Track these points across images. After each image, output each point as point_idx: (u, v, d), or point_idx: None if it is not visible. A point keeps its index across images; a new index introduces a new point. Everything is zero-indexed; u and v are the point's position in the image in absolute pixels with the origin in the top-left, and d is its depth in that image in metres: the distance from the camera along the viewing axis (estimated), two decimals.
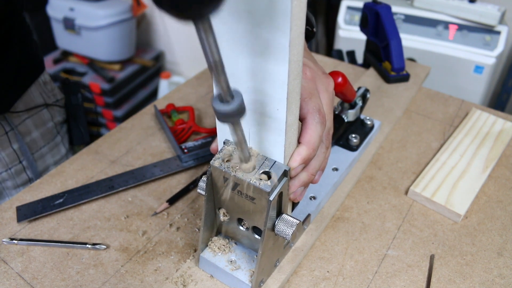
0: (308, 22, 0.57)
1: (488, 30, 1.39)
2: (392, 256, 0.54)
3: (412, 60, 1.23)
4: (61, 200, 0.60)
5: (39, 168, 0.78)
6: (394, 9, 1.42)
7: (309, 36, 0.57)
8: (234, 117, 0.34)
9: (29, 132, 0.74)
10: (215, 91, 0.35)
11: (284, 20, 0.33)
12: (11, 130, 0.70)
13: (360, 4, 1.52)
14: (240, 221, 0.48)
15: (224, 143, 0.45)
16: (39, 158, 0.77)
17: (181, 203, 0.61)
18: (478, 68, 1.42)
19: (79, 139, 0.83)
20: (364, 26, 0.90)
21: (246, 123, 0.42)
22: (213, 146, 0.49)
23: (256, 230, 0.47)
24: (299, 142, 0.43)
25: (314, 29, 0.57)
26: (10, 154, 0.71)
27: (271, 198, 0.41)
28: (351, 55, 1.14)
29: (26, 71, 0.72)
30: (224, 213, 0.48)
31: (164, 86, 2.36)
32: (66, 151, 0.84)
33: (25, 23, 0.72)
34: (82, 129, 0.84)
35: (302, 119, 0.43)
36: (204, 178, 0.46)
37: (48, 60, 2.24)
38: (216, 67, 0.30)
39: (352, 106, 0.66)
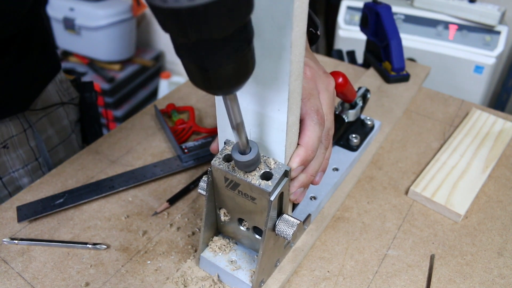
0: (313, 24, 0.56)
1: (488, 30, 1.40)
2: (392, 256, 0.54)
3: (412, 60, 1.23)
4: (61, 200, 0.60)
5: (54, 166, 0.78)
6: (394, 9, 1.42)
7: (313, 39, 0.57)
8: (252, 166, 0.40)
9: (45, 130, 0.75)
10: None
11: (285, 21, 0.33)
12: (29, 128, 0.71)
13: (360, 4, 1.52)
14: (240, 221, 0.48)
15: (224, 143, 0.45)
16: (54, 155, 0.78)
17: (182, 203, 0.62)
18: (478, 68, 1.42)
19: (93, 137, 0.84)
20: (364, 26, 0.90)
21: (247, 123, 0.42)
22: (213, 146, 0.49)
23: (257, 230, 0.47)
24: (297, 144, 0.43)
25: (319, 32, 0.57)
26: (27, 151, 0.71)
27: (272, 198, 0.41)
28: (351, 55, 1.14)
29: (45, 70, 0.73)
30: (224, 213, 0.48)
31: (164, 86, 2.36)
32: (80, 149, 0.85)
33: (43, 24, 0.73)
34: (96, 127, 0.85)
35: (300, 120, 0.43)
36: (204, 178, 0.46)
37: None
38: (238, 128, 0.36)
39: (353, 106, 0.66)
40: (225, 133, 0.45)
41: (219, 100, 0.42)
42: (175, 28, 0.26)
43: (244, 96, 0.40)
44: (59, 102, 0.77)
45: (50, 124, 0.76)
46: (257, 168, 0.42)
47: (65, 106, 0.79)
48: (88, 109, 0.84)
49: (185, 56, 0.29)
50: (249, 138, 0.39)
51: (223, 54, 0.28)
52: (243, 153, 0.39)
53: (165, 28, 0.26)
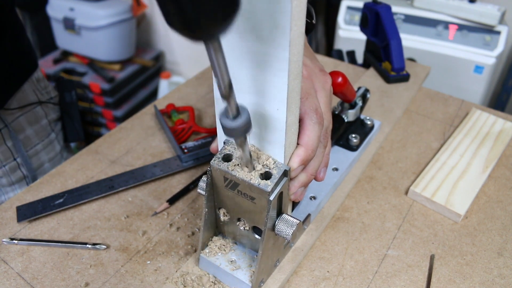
0: (308, 13, 0.56)
1: (488, 30, 1.39)
2: (392, 256, 0.54)
3: (412, 60, 1.23)
4: (61, 200, 0.60)
5: (34, 165, 0.78)
6: (394, 9, 1.42)
7: (309, 28, 0.56)
8: (240, 132, 0.35)
9: (23, 129, 0.74)
10: (218, 106, 0.38)
11: (284, 20, 0.33)
12: (4, 127, 0.70)
13: (360, 4, 1.52)
14: (240, 221, 0.48)
15: (224, 143, 0.45)
16: (34, 155, 0.77)
17: (181, 203, 0.62)
18: (478, 68, 1.42)
19: (73, 136, 0.84)
20: (364, 26, 0.90)
21: None
22: (213, 146, 0.49)
23: (256, 230, 0.47)
24: (297, 144, 0.43)
25: (314, 21, 0.56)
26: (4, 151, 0.71)
27: (271, 198, 0.41)
28: (351, 55, 1.14)
29: (19, 68, 0.72)
30: (224, 213, 0.48)
31: (164, 86, 2.36)
32: (61, 148, 0.84)
33: (18, 20, 0.72)
34: (76, 126, 0.84)
35: (299, 120, 0.43)
36: (204, 178, 0.46)
37: (48, 60, 2.25)
38: (226, 90, 0.32)
39: (352, 106, 0.66)
40: None
41: (218, 100, 0.42)
42: None
43: (243, 95, 0.40)
44: (37, 101, 0.76)
45: (28, 123, 0.75)
46: (257, 168, 0.42)
47: (43, 105, 0.78)
48: (68, 108, 0.83)
49: None
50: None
51: None
52: (233, 118, 0.35)
53: None
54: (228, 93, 0.32)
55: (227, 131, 0.35)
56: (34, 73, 0.77)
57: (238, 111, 0.35)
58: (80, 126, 0.86)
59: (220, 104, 0.42)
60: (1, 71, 0.67)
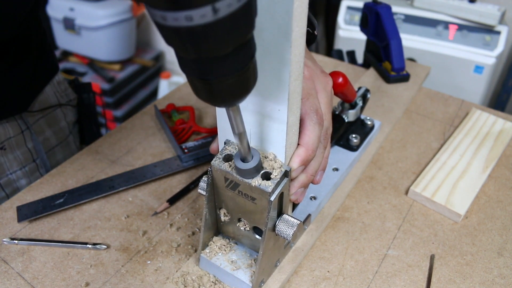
0: (310, 24, 0.56)
1: (488, 30, 1.40)
2: (392, 256, 0.54)
3: (412, 60, 1.23)
4: (61, 200, 0.60)
5: (52, 168, 0.78)
6: (394, 9, 1.42)
7: (311, 39, 0.57)
8: (253, 173, 0.41)
9: (43, 131, 0.75)
10: (237, 151, 0.43)
11: (285, 21, 0.33)
12: (26, 129, 0.70)
13: (360, 4, 1.52)
14: (240, 221, 0.48)
15: (224, 143, 0.45)
16: (51, 157, 0.78)
17: (182, 203, 0.62)
18: (478, 68, 1.42)
19: (91, 137, 0.83)
20: (364, 26, 0.90)
21: (247, 123, 0.42)
22: (213, 146, 0.49)
23: (257, 230, 0.47)
24: (298, 144, 0.43)
25: (316, 32, 0.57)
26: (25, 152, 0.71)
27: (272, 199, 0.41)
28: (351, 55, 1.14)
29: (43, 72, 0.73)
30: (224, 213, 0.48)
31: (164, 86, 2.36)
32: (78, 150, 0.85)
33: (42, 26, 0.73)
34: (94, 128, 0.85)
35: (300, 120, 0.43)
36: (204, 178, 0.46)
37: None
38: (240, 137, 0.37)
39: (353, 106, 0.66)
40: (225, 133, 0.45)
41: None
42: (176, 44, 0.27)
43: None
44: (57, 103, 0.77)
45: (48, 125, 0.76)
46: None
47: (63, 107, 0.79)
48: (86, 110, 0.84)
49: (188, 70, 0.30)
50: (248, 139, 0.39)
51: (225, 69, 0.29)
52: (244, 160, 0.40)
53: (167, 42, 0.27)
54: (241, 140, 0.37)
55: (241, 172, 0.41)
56: (55, 76, 0.77)
57: (252, 155, 0.40)
58: (98, 128, 0.86)
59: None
60: (27, 73, 0.67)
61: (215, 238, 0.51)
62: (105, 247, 0.55)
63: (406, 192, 0.63)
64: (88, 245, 0.54)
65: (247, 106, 0.41)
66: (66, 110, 0.80)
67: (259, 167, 0.41)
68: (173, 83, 2.35)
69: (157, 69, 2.45)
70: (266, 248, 0.44)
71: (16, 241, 0.55)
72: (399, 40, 0.83)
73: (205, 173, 0.59)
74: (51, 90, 0.76)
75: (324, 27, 1.97)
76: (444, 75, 1.47)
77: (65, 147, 0.81)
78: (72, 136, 0.83)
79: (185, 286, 0.49)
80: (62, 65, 2.22)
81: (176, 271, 0.52)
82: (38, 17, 0.71)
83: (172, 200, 0.61)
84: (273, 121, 0.40)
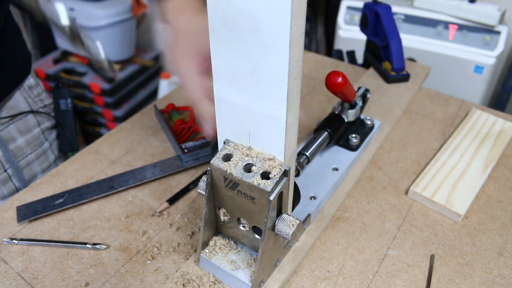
0: None
1: (488, 30, 1.39)
2: (392, 256, 0.54)
3: (412, 60, 1.23)
4: (61, 200, 0.60)
5: (26, 177, 0.75)
6: (394, 9, 1.42)
7: None
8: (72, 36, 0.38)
9: (14, 139, 0.71)
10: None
11: (284, 20, 0.33)
12: None
13: (360, 4, 1.52)
14: (240, 221, 0.48)
15: (224, 143, 0.45)
16: (26, 166, 0.74)
17: (181, 203, 0.62)
18: (478, 68, 1.42)
19: (66, 146, 0.80)
20: (364, 26, 0.90)
21: (246, 123, 0.42)
22: (206, 129, 0.49)
23: (256, 230, 0.47)
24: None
25: None
26: None
27: (271, 198, 0.41)
28: (351, 55, 1.14)
29: (9, 74, 0.69)
30: (224, 213, 0.48)
31: (164, 86, 2.36)
32: (55, 158, 0.81)
33: (12, 22, 0.68)
34: (69, 136, 0.81)
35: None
36: (204, 178, 0.46)
37: (48, 60, 2.24)
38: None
39: (352, 106, 0.66)
40: (225, 133, 0.45)
41: (218, 100, 0.42)
42: None
43: (243, 95, 0.40)
44: (28, 109, 0.73)
45: (19, 132, 0.72)
46: (257, 168, 0.42)
47: (36, 113, 0.75)
48: (63, 116, 0.80)
49: None
50: (247, 139, 0.39)
51: None
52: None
53: None
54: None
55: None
56: (25, 80, 0.73)
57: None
58: (74, 136, 0.82)
59: (220, 104, 0.42)
60: None
61: (214, 238, 0.51)
62: (105, 247, 0.55)
63: (406, 192, 0.63)
64: (88, 245, 0.54)
65: (247, 106, 0.41)
66: (39, 117, 0.76)
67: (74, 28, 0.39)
68: (173, 83, 2.34)
69: (157, 69, 2.45)
70: (265, 247, 0.44)
71: (15, 241, 0.55)
72: (399, 40, 0.83)
73: (205, 173, 0.59)
74: (21, 95, 0.72)
75: (324, 27, 1.97)
76: (444, 75, 1.47)
77: (41, 155, 0.77)
78: (48, 144, 0.79)
79: (184, 286, 0.49)
80: (62, 65, 2.22)
81: (176, 271, 0.52)
82: (6, 13, 0.66)
83: (172, 200, 0.61)
84: (272, 121, 0.40)
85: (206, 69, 0.43)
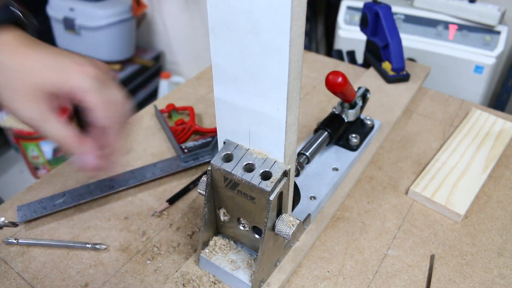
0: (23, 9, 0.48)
1: (488, 30, 1.39)
2: (392, 256, 0.54)
3: (412, 60, 1.23)
4: (61, 200, 0.60)
5: None
6: (394, 9, 1.42)
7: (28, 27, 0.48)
8: None
9: None
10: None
11: (284, 20, 0.33)
12: None
13: (360, 4, 1.52)
14: (240, 221, 0.48)
15: (224, 143, 0.45)
16: None
17: (181, 203, 0.62)
18: (478, 68, 1.42)
19: None
20: (364, 26, 0.90)
21: (246, 123, 0.42)
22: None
23: (256, 230, 0.47)
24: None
25: (31, 20, 0.49)
26: None
27: (271, 198, 0.41)
28: (351, 55, 1.14)
29: None
30: (224, 213, 0.48)
31: (164, 86, 2.36)
32: None
33: None
34: None
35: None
36: (204, 178, 0.46)
37: None
38: None
39: (352, 106, 0.66)
40: (225, 133, 0.45)
41: (218, 100, 0.42)
42: None
43: (243, 95, 0.40)
44: None
45: None
46: (257, 168, 0.42)
47: None
48: None
49: None
50: (247, 139, 0.39)
51: None
52: None
53: None
54: None
55: None
56: None
57: None
58: None
59: (220, 104, 0.42)
60: None
61: (214, 238, 0.51)
62: (105, 247, 0.55)
63: (406, 192, 0.63)
64: (88, 245, 0.54)
65: (247, 106, 0.41)
66: None
67: None
68: (173, 83, 2.34)
69: (157, 69, 2.45)
70: (265, 247, 0.44)
71: (15, 241, 0.55)
72: (399, 40, 0.83)
73: (205, 173, 0.59)
74: None
75: (324, 27, 1.97)
76: (444, 75, 1.47)
77: None
78: None
79: (184, 286, 0.49)
80: None
81: (176, 271, 0.52)
82: None
83: (172, 200, 0.61)
84: (272, 121, 0.40)
85: (57, 107, 0.39)
